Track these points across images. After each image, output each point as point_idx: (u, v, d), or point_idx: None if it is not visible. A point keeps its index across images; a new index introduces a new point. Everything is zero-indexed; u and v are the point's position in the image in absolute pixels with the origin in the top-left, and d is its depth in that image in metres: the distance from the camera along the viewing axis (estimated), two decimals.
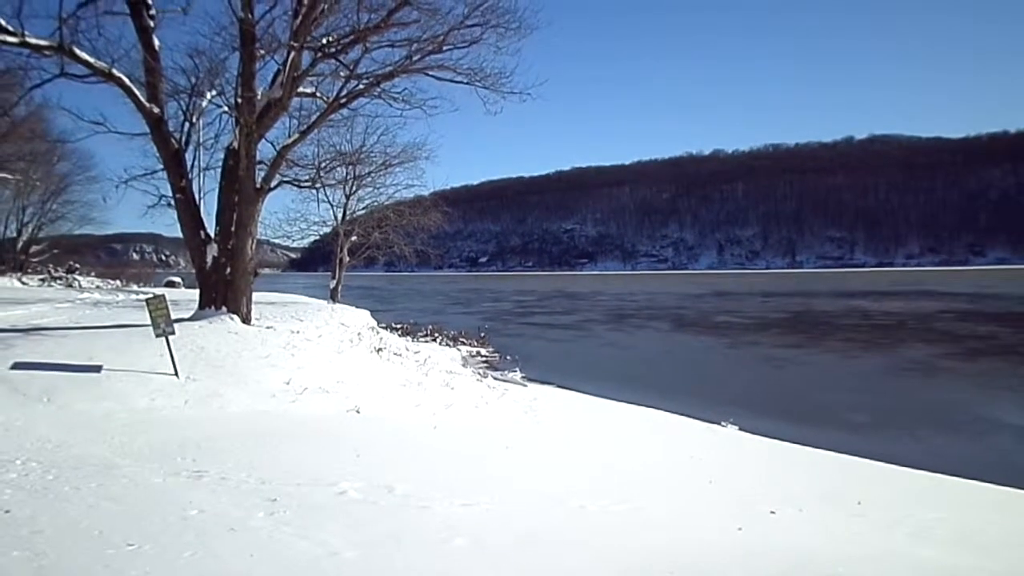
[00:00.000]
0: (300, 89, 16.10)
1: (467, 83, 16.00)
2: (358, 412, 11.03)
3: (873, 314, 43.77)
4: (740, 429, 12.93)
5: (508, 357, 22.59)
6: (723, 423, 13.22)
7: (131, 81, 15.22)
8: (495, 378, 18.03)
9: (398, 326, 27.82)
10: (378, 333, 20.31)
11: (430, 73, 16.09)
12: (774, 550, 5.20)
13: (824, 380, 20.51)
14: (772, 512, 6.55)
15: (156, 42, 15.41)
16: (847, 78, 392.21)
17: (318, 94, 17.17)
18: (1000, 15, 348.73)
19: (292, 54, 14.76)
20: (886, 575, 4.56)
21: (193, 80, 17.07)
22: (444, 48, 15.50)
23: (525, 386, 17.16)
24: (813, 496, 7.76)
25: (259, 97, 15.39)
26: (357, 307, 23.82)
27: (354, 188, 27.65)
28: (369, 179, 28.01)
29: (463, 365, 20.37)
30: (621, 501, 6.45)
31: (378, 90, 16.48)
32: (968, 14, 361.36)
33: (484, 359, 22.67)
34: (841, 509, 7.22)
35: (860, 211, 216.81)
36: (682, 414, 14.17)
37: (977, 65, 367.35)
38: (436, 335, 27.09)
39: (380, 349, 17.63)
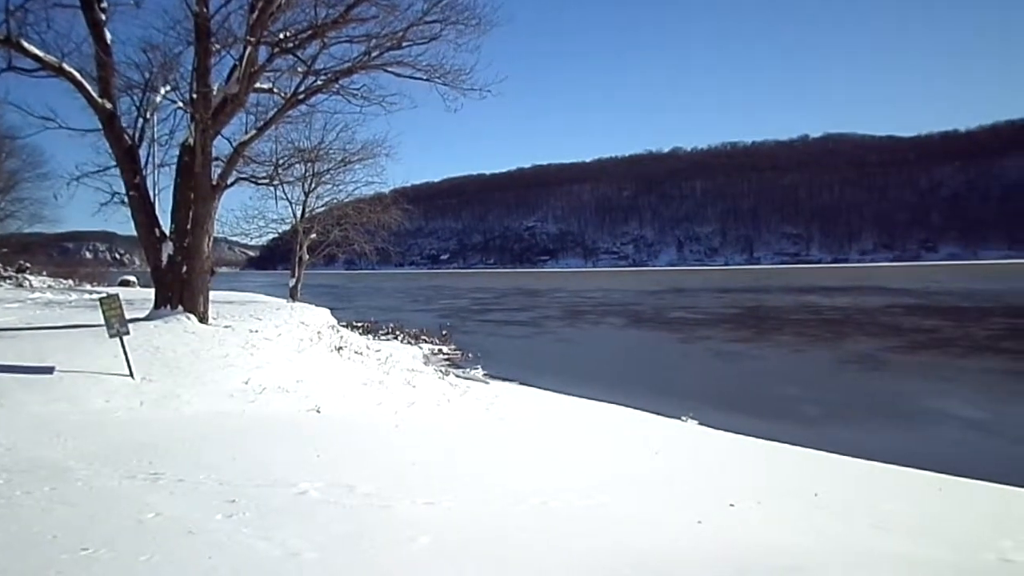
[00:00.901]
0: (257, 85, 15.89)
1: (427, 80, 15.95)
2: (318, 411, 10.93)
3: (823, 309, 44.88)
4: (700, 424, 13.09)
5: (470, 355, 22.59)
6: (684, 418, 13.36)
7: (82, 76, 14.87)
8: (457, 376, 18.01)
9: (359, 324, 27.66)
10: (339, 331, 20.14)
11: (389, 69, 16.00)
12: (733, 542, 5.27)
13: (776, 373, 20.88)
14: (731, 505, 6.64)
15: (108, 36, 15.07)
16: (802, 78, 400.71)
17: (275, 90, 16.94)
18: (950, 18, 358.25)
19: (248, 49, 14.57)
20: (846, 567, 4.63)
21: (147, 75, 16.67)
22: (403, 44, 15.43)
23: (487, 383, 17.16)
24: (771, 489, 7.89)
25: (215, 93, 15.15)
26: (317, 305, 23.59)
27: (313, 185, 27.39)
28: (328, 176, 27.78)
29: (425, 363, 20.31)
30: (584, 497, 6.48)
31: (336, 86, 16.35)
32: (919, 16, 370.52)
33: (446, 357, 22.63)
34: (799, 501, 7.35)
35: (815, 208, 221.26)
36: (643, 409, 14.30)
37: (929, 66, 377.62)
38: (398, 333, 27.00)
39: (341, 348, 17.48)
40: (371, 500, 5.75)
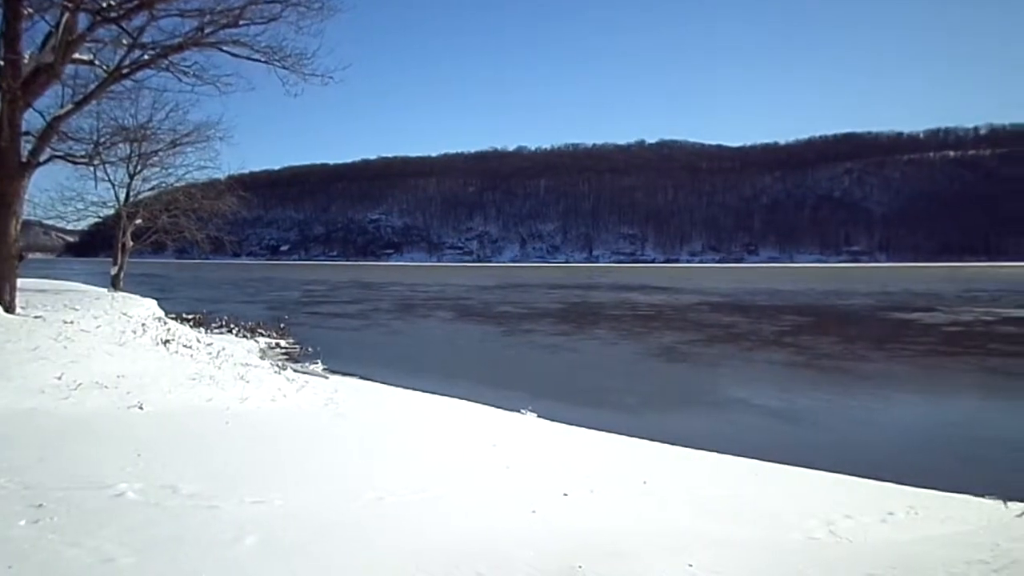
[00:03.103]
0: (76, 56, 14.59)
1: (265, 62, 15.22)
2: (141, 408, 10.24)
3: (640, 305, 47.94)
4: (539, 416, 13.40)
5: (309, 349, 21.97)
6: (522, 411, 13.63)
7: None
8: (295, 370, 17.44)
9: (190, 316, 26.20)
10: (166, 324, 18.96)
11: (224, 48, 15.14)
12: (565, 530, 5.45)
13: (597, 366, 22.22)
14: (565, 494, 6.86)
15: None
16: (641, 86, 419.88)
17: (97, 62, 15.62)
18: (772, 36, 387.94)
19: (66, 15, 13.34)
20: (669, 549, 4.85)
21: None
22: (240, 23, 14.62)
23: (327, 378, 16.74)
24: (603, 477, 8.21)
25: (26, 60, 13.76)
26: (142, 296, 22.13)
27: (139, 167, 25.61)
28: (156, 158, 26.06)
29: (261, 357, 19.55)
30: (420, 490, 6.47)
31: (166, 62, 15.29)
32: (745, 32, 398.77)
33: (284, 351, 21.92)
34: (629, 488, 7.70)
35: (651, 211, 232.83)
36: (480, 402, 14.47)
37: (752, 80, 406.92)
38: (232, 326, 25.82)
39: (168, 341, 16.47)
40: (196, 501, 5.45)
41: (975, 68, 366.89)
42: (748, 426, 13.66)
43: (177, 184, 27.81)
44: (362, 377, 17.55)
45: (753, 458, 10.11)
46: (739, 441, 11.30)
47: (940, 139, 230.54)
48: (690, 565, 4.29)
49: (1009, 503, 6.93)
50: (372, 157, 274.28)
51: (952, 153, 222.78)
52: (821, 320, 38.54)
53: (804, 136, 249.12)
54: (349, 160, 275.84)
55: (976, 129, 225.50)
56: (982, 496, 7.76)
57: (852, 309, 45.11)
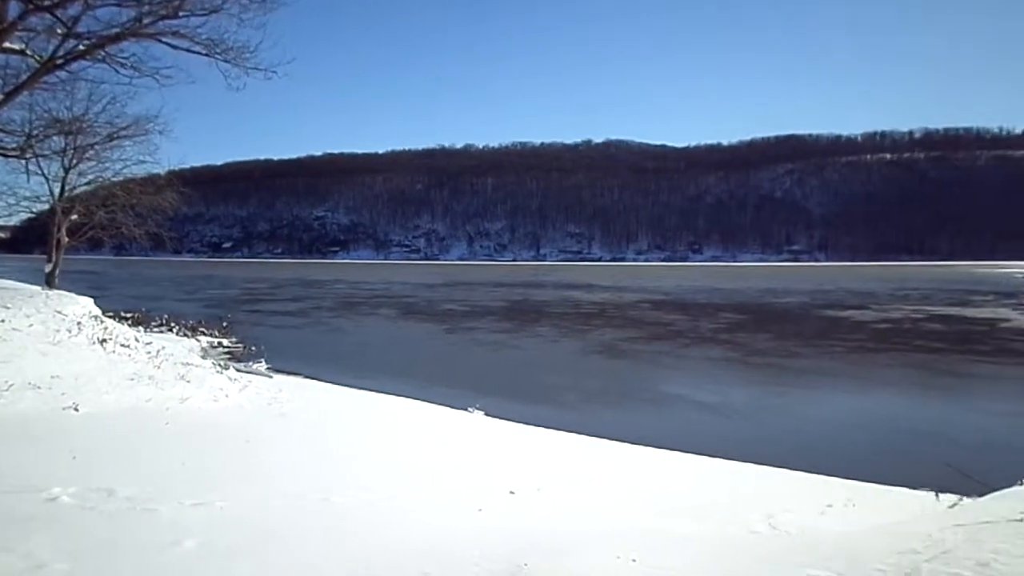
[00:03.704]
0: (6, 44, 14.05)
1: (206, 55, 14.79)
2: (76, 410, 9.94)
3: (583, 303, 48.67)
4: (486, 414, 13.41)
5: (253, 347, 21.60)
6: (471, 409, 13.62)
7: None
8: (238, 370, 17.10)
9: (128, 315, 25.48)
10: (103, 322, 18.40)
11: (164, 40, 14.66)
12: (512, 528, 5.47)
13: (539, 363, 22.65)
14: (512, 492, 6.89)
15: None
16: (586, 84, 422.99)
17: (29, 52, 15.03)
18: (714, 40, 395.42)
19: None
20: (613, 546, 4.89)
21: None
22: (180, 14, 14.16)
23: (271, 377, 16.48)
24: (550, 475, 8.26)
25: None
26: (78, 293, 21.44)
27: (74, 161, 24.70)
28: (93, 152, 25.14)
29: (203, 356, 19.11)
30: (366, 491, 6.44)
31: (102, 53, 14.76)
32: (689, 33, 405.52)
33: (226, 350, 21.50)
34: (575, 486, 7.77)
35: (597, 209, 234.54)
36: (428, 401, 14.43)
37: (697, 83, 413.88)
38: (173, 325, 25.22)
39: (105, 340, 15.98)
40: (133, 504, 5.34)
41: (911, 73, 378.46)
42: (688, 422, 13.95)
43: (115, 179, 26.89)
44: (307, 376, 17.34)
45: (695, 454, 10.31)
46: (680, 437, 11.51)
47: (877, 142, 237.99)
48: (633, 560, 4.35)
49: (941, 495, 7.18)
50: (318, 153, 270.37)
51: (888, 156, 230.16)
52: (757, 318, 39.62)
53: (747, 137, 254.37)
54: (294, 156, 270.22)
55: (911, 133, 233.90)
56: (916, 488, 8.04)
57: (788, 307, 46.42)
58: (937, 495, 7.28)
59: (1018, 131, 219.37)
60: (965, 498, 6.19)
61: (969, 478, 6.65)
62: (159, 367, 14.65)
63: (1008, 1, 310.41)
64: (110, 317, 20.99)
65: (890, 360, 22.61)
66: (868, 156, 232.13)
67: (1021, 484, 5.52)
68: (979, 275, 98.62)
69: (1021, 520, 3.85)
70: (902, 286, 67.96)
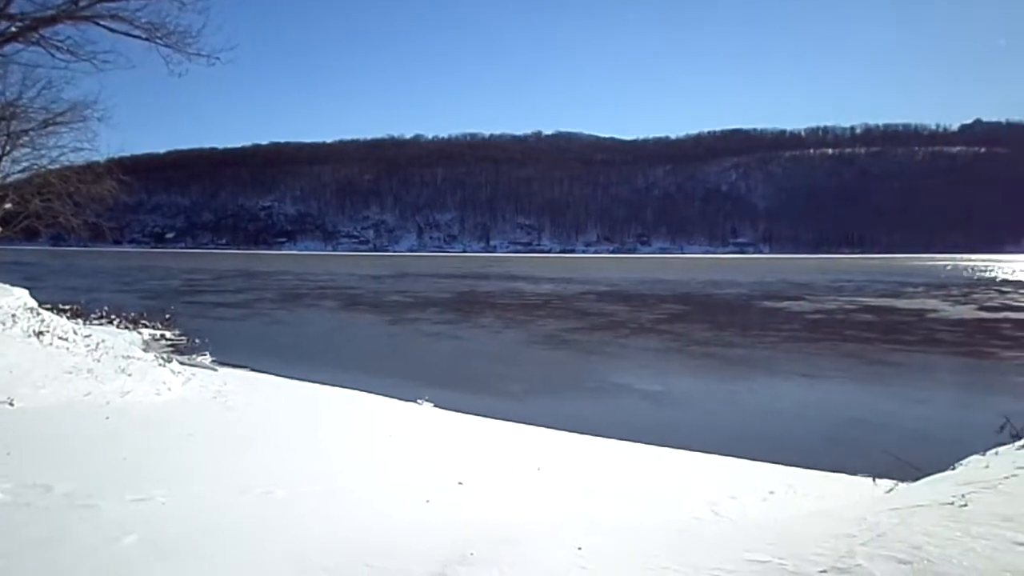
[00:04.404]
0: None
1: (146, 39, 14.46)
2: (11, 404, 9.69)
3: (527, 295, 48.90)
4: (435, 406, 13.43)
5: (197, 340, 21.19)
6: (419, 401, 13.61)
7: None
8: (181, 362, 16.77)
9: (66, 307, 24.79)
10: (39, 314, 17.88)
11: (102, 23, 14.28)
12: (459, 519, 5.52)
13: (484, 354, 22.79)
14: (460, 483, 6.95)
15: None
16: (535, 76, 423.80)
17: None
18: (665, 32, 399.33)
19: None
20: (559, 534, 4.97)
21: None
22: None
23: (215, 370, 16.22)
24: (497, 465, 8.34)
25: None
26: (12, 284, 20.78)
27: (7, 148, 23.83)
28: (27, 138, 24.32)
29: (145, 349, 18.68)
30: (312, 483, 6.42)
31: (36, 36, 14.34)
32: (638, 28, 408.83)
33: (169, 342, 21.09)
34: (523, 476, 7.85)
35: (547, 201, 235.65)
36: (375, 392, 14.37)
37: (643, 74, 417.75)
38: (113, 317, 24.62)
39: (41, 332, 15.54)
40: (72, 500, 5.23)
41: (851, 70, 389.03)
42: (633, 411, 14.16)
43: (51, 166, 26.02)
44: (253, 369, 17.10)
45: (640, 442, 10.50)
46: (626, 427, 11.65)
47: (819, 137, 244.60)
48: (579, 548, 4.42)
49: (878, 480, 7.45)
50: (263, 142, 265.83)
51: (830, 151, 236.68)
52: (699, 308, 40.42)
53: (694, 131, 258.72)
54: (239, 144, 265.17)
55: (852, 128, 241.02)
56: (855, 474, 8.33)
57: (728, 298, 47.40)
58: (875, 480, 7.52)
59: (955, 128, 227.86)
60: (901, 483, 6.40)
61: (905, 464, 6.92)
62: (99, 360, 14.32)
63: (949, 2, 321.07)
64: (47, 309, 20.39)
65: (824, 349, 23.23)
66: (811, 151, 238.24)
67: (953, 468, 5.74)
68: (913, 267, 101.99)
69: (952, 504, 4.03)
70: (838, 278, 69.84)
